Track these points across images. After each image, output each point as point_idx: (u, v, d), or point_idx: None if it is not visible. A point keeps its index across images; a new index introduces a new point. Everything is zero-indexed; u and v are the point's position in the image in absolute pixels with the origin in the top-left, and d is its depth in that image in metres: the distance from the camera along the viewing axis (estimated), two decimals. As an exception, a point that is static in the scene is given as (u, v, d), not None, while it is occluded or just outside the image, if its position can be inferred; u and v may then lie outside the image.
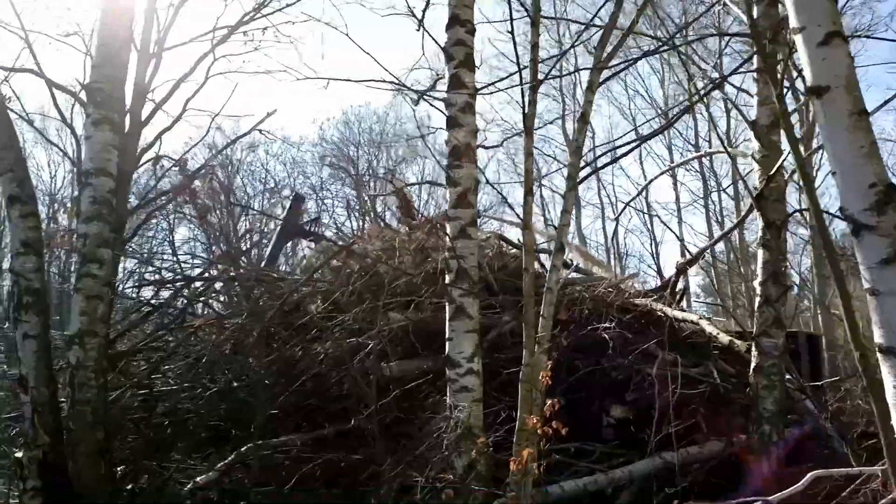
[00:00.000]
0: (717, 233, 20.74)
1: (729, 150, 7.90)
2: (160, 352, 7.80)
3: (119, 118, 6.22)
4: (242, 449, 6.63)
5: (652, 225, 23.60)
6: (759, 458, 6.79)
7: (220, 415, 7.14)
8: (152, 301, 8.63)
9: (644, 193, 20.86)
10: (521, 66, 4.99)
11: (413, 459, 5.58)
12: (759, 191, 7.20)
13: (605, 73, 5.60)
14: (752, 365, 7.12)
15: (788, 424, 7.23)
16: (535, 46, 4.65)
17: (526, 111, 4.69)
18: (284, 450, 6.79)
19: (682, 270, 9.42)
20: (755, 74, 7.30)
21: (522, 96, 4.65)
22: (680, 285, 9.74)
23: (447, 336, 5.72)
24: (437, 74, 6.67)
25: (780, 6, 7.74)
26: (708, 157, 20.57)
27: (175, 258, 11.31)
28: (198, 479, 6.41)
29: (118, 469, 6.12)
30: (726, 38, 10.83)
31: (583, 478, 6.38)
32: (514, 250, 9.71)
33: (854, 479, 5.26)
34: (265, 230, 14.50)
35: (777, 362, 7.05)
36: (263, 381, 7.10)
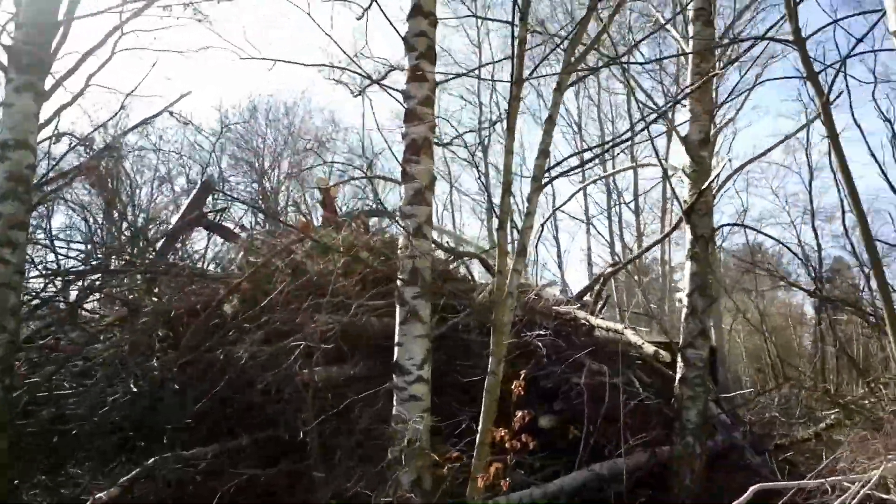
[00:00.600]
0: (618, 244, 21.36)
1: (663, 163, 7.96)
2: (51, 351, 6.91)
3: (42, 86, 5.46)
4: (149, 462, 5.99)
5: (557, 233, 23.94)
6: (685, 470, 6.84)
7: (124, 423, 6.40)
8: (40, 294, 7.67)
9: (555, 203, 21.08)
10: (502, 58, 4.69)
11: (354, 473, 5.15)
12: (689, 205, 7.29)
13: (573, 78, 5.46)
14: (678, 376, 7.19)
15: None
16: (521, 42, 4.41)
17: (509, 108, 4.44)
18: (195, 462, 6.19)
19: (606, 278, 9.46)
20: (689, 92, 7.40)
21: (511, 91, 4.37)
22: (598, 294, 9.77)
23: (396, 341, 5.35)
24: (390, 65, 6.35)
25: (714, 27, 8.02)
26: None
27: (51, 246, 10.22)
28: (98, 494, 5.72)
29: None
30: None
31: (518, 491, 6.18)
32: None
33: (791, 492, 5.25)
34: (167, 220, 13.35)
35: (701, 374, 7.15)
36: (172, 387, 6.44)
